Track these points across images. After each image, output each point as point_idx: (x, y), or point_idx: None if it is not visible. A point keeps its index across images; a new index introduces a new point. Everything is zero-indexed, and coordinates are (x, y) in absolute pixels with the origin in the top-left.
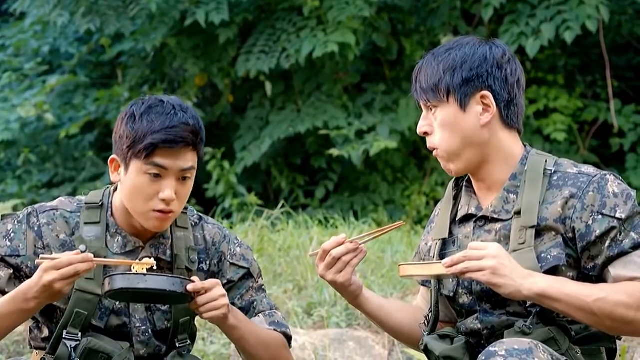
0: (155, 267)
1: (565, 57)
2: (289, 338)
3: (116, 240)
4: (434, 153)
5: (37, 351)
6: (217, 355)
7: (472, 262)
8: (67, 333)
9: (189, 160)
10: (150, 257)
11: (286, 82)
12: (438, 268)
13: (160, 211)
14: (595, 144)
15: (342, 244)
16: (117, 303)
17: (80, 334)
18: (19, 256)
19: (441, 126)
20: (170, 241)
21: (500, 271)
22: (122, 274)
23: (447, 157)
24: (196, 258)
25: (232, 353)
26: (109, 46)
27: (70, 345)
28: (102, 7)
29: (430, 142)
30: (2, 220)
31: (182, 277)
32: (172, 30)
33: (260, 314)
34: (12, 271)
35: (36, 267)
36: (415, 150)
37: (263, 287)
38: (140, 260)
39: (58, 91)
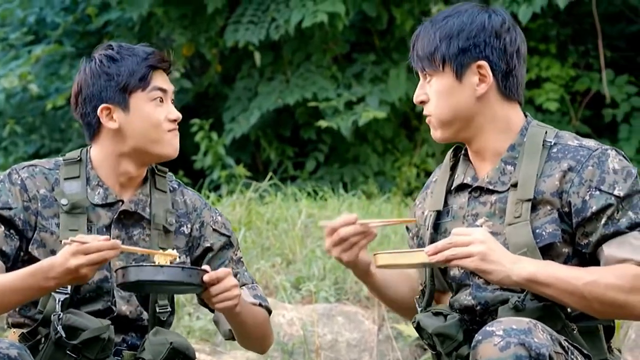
0: (177, 259)
1: (558, 26)
2: (269, 312)
3: (97, 192)
4: (427, 120)
5: (14, 330)
6: (203, 331)
7: (459, 248)
8: None
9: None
10: (172, 249)
11: (275, 52)
12: (421, 256)
13: (172, 130)
14: (588, 114)
15: (352, 223)
16: None
17: (69, 287)
18: (10, 209)
19: (436, 94)
20: (149, 200)
21: (489, 256)
22: (137, 265)
23: (438, 125)
24: (174, 221)
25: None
26: (95, 15)
27: (59, 299)
28: None
29: (427, 109)
30: None
31: (198, 267)
32: None
33: (243, 287)
34: (3, 228)
35: (27, 221)
36: (406, 121)
37: (242, 259)
38: (164, 251)
39: (44, 61)
